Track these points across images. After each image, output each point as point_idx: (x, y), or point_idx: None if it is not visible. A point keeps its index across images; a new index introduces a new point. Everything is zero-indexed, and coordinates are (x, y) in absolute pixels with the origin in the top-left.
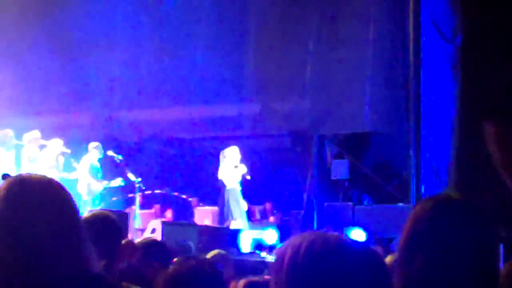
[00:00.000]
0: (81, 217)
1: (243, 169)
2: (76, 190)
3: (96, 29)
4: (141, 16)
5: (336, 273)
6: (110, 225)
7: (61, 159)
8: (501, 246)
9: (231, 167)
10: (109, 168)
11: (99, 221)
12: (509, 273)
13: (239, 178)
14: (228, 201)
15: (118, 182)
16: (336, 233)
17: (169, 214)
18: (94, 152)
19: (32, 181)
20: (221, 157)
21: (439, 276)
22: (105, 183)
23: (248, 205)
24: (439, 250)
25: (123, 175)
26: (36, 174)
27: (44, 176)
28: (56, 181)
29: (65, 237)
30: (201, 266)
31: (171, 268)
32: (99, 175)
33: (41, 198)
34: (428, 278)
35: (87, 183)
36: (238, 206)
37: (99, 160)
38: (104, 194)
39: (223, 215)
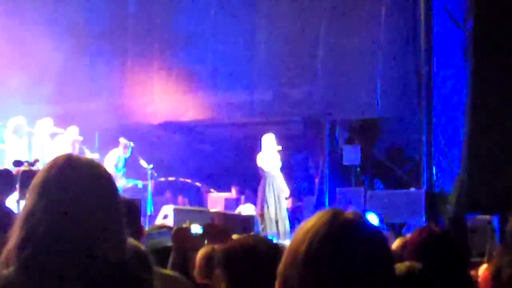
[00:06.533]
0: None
1: (278, 153)
2: None
3: (107, 17)
4: (154, 4)
5: (340, 255)
6: (132, 207)
7: (77, 146)
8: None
9: (267, 154)
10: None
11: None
12: None
13: (277, 164)
14: (264, 186)
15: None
16: (350, 213)
17: (180, 200)
18: (123, 149)
19: (81, 160)
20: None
21: None
22: (124, 182)
23: None
24: None
25: (135, 162)
26: (84, 156)
27: (89, 157)
28: (101, 164)
29: (111, 213)
30: (259, 243)
31: (230, 244)
32: (122, 172)
33: (90, 175)
34: None
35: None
36: (272, 191)
37: (125, 158)
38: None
39: (259, 201)
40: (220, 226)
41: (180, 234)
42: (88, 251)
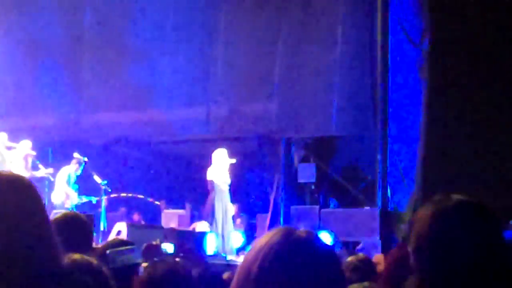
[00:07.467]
0: (48, 214)
1: (228, 170)
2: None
3: (62, 30)
4: (110, 18)
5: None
6: (81, 225)
7: (30, 160)
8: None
9: (218, 169)
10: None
11: (70, 221)
12: None
13: (227, 180)
14: (212, 200)
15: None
16: (302, 231)
17: (136, 217)
18: (75, 166)
19: (2, 174)
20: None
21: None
22: (77, 198)
23: None
24: (457, 249)
25: (89, 177)
26: (5, 171)
27: (12, 172)
28: (24, 177)
29: (35, 231)
30: (174, 268)
31: (145, 271)
32: (75, 189)
33: (11, 189)
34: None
35: (65, 193)
36: (220, 206)
37: (77, 176)
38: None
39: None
40: (191, 247)
41: (152, 251)
42: (16, 264)
